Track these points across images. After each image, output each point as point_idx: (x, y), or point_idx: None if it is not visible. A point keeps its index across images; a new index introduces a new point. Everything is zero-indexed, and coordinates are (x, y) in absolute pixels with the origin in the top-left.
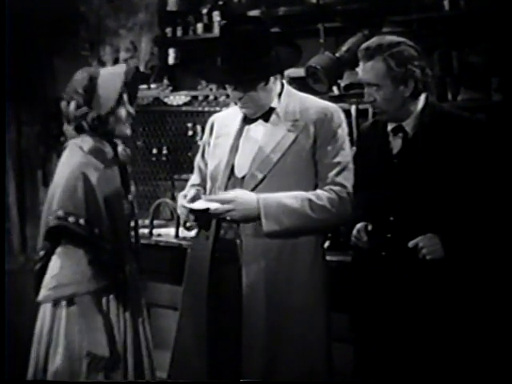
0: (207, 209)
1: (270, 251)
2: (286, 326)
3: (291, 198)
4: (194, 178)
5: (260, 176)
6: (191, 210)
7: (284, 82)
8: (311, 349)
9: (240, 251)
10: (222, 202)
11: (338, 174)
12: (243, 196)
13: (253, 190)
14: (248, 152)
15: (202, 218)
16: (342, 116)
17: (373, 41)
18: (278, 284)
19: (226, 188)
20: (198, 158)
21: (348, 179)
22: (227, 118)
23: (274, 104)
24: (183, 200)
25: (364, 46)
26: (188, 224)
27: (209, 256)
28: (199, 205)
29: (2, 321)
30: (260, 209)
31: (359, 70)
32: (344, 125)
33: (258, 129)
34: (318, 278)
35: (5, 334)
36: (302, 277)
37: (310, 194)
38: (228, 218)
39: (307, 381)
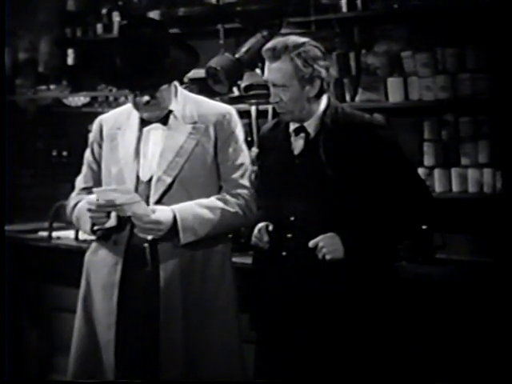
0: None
1: (183, 255)
2: (202, 329)
3: (204, 207)
4: (87, 180)
5: (169, 180)
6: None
7: (176, 83)
8: (227, 349)
9: (148, 256)
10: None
11: (242, 176)
12: (162, 213)
13: (163, 194)
14: (150, 155)
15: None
16: (237, 117)
17: (278, 41)
18: (192, 286)
19: (136, 192)
20: (89, 159)
21: (250, 180)
22: (118, 120)
23: (172, 106)
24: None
25: (269, 45)
26: (96, 227)
27: (122, 261)
28: None
29: (2, 321)
30: (177, 222)
31: (265, 70)
32: (240, 125)
33: (157, 132)
34: (229, 279)
35: (5, 334)
36: (214, 279)
37: (221, 203)
38: (154, 236)
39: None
